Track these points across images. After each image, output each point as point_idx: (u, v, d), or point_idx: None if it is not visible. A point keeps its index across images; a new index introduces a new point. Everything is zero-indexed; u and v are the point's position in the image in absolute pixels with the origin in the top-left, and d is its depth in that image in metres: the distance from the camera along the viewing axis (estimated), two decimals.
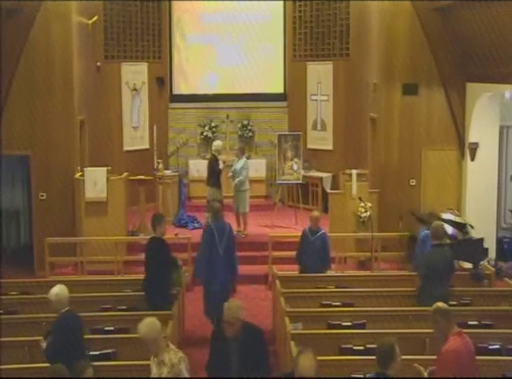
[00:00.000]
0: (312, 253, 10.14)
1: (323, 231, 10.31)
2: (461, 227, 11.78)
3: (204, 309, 9.79)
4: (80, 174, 12.76)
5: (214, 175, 13.46)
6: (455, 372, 5.81)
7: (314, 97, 16.50)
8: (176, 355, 5.88)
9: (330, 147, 16.27)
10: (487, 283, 9.72)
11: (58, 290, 6.97)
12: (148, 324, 5.89)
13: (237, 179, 13.45)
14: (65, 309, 6.94)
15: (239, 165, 13.56)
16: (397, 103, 13.18)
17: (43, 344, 6.92)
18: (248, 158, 14.37)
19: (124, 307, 8.92)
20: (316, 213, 10.38)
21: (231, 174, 13.65)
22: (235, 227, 13.65)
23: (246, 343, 6.01)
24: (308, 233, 10.23)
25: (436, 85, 12.99)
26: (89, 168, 12.87)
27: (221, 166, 13.60)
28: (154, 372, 5.92)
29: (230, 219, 13.91)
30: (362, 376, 6.83)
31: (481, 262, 10.31)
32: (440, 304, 6.24)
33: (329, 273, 10.34)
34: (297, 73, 16.72)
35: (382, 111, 13.33)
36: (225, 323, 5.98)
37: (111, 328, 8.22)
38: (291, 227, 14.35)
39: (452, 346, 5.90)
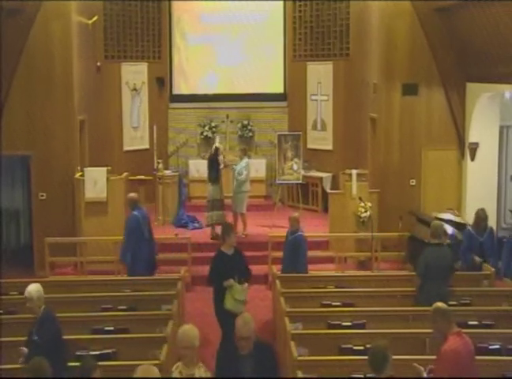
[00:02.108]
0: (287, 254, 10.24)
1: (299, 233, 10.25)
2: (461, 226, 11.77)
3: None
4: (80, 174, 12.76)
5: (214, 171, 13.45)
6: (454, 372, 5.80)
7: (314, 97, 16.51)
8: (206, 374, 5.58)
9: (330, 147, 16.28)
10: (487, 283, 9.71)
11: (37, 287, 6.93)
12: (191, 330, 5.54)
13: (238, 178, 13.46)
14: (43, 306, 6.90)
15: (240, 166, 13.57)
16: (397, 103, 13.19)
17: (23, 352, 6.71)
18: (249, 158, 14.35)
19: (124, 307, 8.91)
20: (295, 214, 10.43)
21: (238, 178, 13.62)
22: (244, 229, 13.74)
23: (259, 360, 5.65)
24: (288, 234, 10.32)
25: (436, 85, 13.00)
26: (89, 168, 12.87)
27: (221, 160, 13.59)
28: None
29: (231, 219, 13.98)
30: (362, 376, 6.84)
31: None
32: (440, 304, 6.24)
33: (329, 273, 10.36)
34: (297, 73, 16.72)
35: (382, 111, 13.34)
36: (241, 339, 5.56)
37: (111, 328, 8.21)
38: None
39: (451, 346, 5.90)
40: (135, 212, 10.58)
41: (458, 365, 5.85)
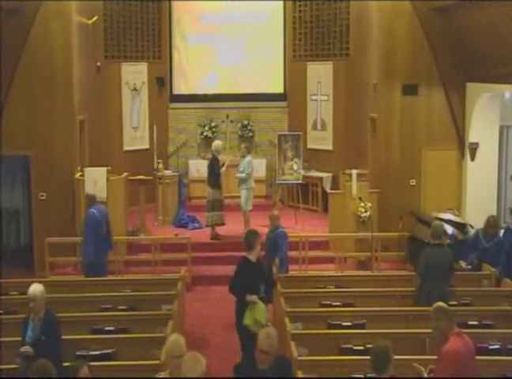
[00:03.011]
0: (270, 250, 10.20)
1: (280, 229, 10.26)
2: (460, 226, 11.77)
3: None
4: (80, 174, 12.76)
5: (214, 175, 13.46)
6: (455, 372, 5.79)
7: (314, 97, 16.50)
8: None
9: (330, 147, 16.27)
10: (487, 283, 9.71)
11: (41, 287, 6.96)
12: (180, 339, 5.35)
13: (241, 175, 13.47)
14: (44, 307, 6.93)
15: (243, 164, 13.58)
16: (397, 103, 13.19)
17: (29, 353, 6.70)
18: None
19: (124, 307, 8.92)
20: (275, 212, 10.44)
21: (238, 175, 13.63)
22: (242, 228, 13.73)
23: (277, 376, 5.43)
24: (268, 232, 10.33)
25: (436, 85, 12.99)
26: (89, 168, 12.87)
27: (223, 169, 13.58)
28: None
29: (232, 218, 14.01)
30: (362, 376, 6.84)
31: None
32: (441, 303, 6.22)
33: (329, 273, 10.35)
34: (297, 73, 16.72)
35: (382, 111, 13.34)
36: (261, 352, 5.33)
37: (111, 328, 8.22)
38: (291, 227, 14.29)
39: (452, 346, 5.89)
40: (92, 210, 10.64)
41: (459, 366, 5.84)
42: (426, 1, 12.60)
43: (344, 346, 7.66)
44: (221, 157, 13.96)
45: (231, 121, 16.81)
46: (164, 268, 11.91)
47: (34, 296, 6.90)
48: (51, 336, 6.83)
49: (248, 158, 13.74)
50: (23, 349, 6.75)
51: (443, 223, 10.25)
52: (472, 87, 12.67)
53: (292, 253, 12.07)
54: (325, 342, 7.71)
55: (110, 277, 11.01)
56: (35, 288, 6.94)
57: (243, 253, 8.43)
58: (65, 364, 6.50)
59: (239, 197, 13.82)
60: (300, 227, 14.21)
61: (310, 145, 16.40)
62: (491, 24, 10.90)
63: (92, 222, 10.58)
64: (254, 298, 8.04)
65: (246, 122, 16.82)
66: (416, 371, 6.08)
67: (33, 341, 6.83)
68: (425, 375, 6.10)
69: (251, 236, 8.37)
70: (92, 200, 10.79)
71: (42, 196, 12.70)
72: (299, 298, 9.16)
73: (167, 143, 16.78)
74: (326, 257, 12.61)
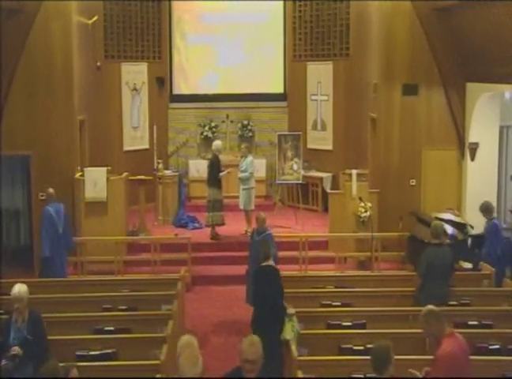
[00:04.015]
0: (256, 252, 10.23)
1: (268, 232, 10.33)
2: (461, 226, 11.77)
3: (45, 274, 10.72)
4: (80, 174, 12.77)
5: (215, 176, 13.45)
6: (451, 374, 5.77)
7: (314, 97, 16.50)
8: None
9: (330, 147, 16.27)
10: (487, 283, 9.71)
11: (25, 287, 6.94)
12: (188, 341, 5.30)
13: (244, 175, 13.47)
14: (27, 307, 6.94)
15: (245, 163, 13.58)
16: (397, 103, 13.18)
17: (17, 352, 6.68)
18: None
19: (124, 307, 8.91)
20: (262, 215, 10.48)
21: (240, 175, 13.63)
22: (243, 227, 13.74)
23: None
24: (255, 233, 10.36)
25: (436, 85, 12.99)
26: (89, 168, 12.88)
27: (223, 174, 13.53)
28: None
29: (232, 218, 14.01)
30: (362, 376, 6.83)
31: (480, 262, 10.30)
32: (431, 306, 6.15)
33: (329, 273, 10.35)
34: (297, 73, 16.72)
35: (382, 111, 13.34)
36: (246, 362, 5.17)
37: (112, 328, 8.21)
38: (291, 226, 14.35)
39: (446, 349, 5.82)
40: (48, 207, 10.89)
41: (454, 368, 5.79)
42: (426, 1, 12.60)
43: (344, 346, 7.66)
44: (222, 157, 13.97)
45: (231, 121, 16.81)
46: (164, 268, 11.91)
47: (20, 296, 6.87)
48: (38, 335, 6.81)
49: (250, 158, 13.75)
50: (12, 350, 6.68)
51: (443, 222, 10.24)
52: (472, 87, 12.67)
53: (292, 253, 12.09)
54: (325, 342, 7.71)
55: (110, 277, 11.03)
56: (20, 288, 6.90)
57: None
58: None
59: (238, 196, 13.82)
60: (300, 227, 14.22)
61: (310, 145, 16.40)
62: (491, 24, 10.90)
63: (46, 219, 10.82)
64: (292, 310, 8.10)
65: (246, 122, 16.82)
66: (412, 376, 6.04)
67: (19, 342, 6.79)
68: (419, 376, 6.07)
69: (267, 246, 8.66)
70: (48, 197, 11.03)
71: (42, 196, 12.67)
72: (299, 298, 9.14)
73: (167, 143, 16.78)
74: (326, 257, 12.60)
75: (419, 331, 7.74)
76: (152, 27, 16.58)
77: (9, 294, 9.15)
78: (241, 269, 10.89)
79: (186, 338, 5.33)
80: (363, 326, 8.28)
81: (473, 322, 8.27)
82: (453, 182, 13.13)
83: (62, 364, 5.83)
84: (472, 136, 12.79)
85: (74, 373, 5.64)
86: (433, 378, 5.94)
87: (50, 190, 11.17)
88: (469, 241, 11.52)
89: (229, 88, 17.09)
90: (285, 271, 10.62)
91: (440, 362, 5.83)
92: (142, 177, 13.94)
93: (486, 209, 10.19)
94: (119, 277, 11.32)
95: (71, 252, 11.58)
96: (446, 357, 5.81)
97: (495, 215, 10.39)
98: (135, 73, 16.17)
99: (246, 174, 13.54)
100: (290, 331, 7.85)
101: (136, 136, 16.25)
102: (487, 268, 9.92)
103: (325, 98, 16.27)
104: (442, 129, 13.13)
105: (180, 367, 4.90)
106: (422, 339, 7.65)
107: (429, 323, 5.97)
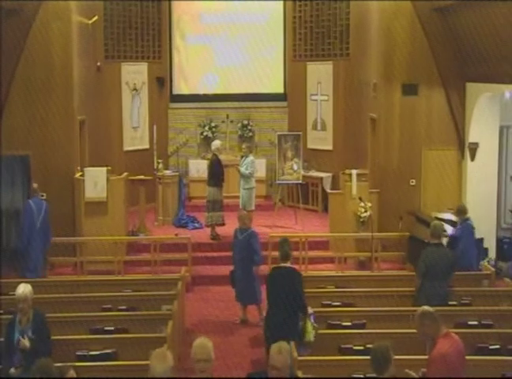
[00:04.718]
0: (240, 250, 10.33)
1: (251, 230, 10.43)
2: None
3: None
4: (80, 174, 12.77)
5: (215, 176, 13.44)
6: (445, 375, 5.75)
7: (314, 97, 16.51)
8: None
9: (330, 147, 16.28)
10: (487, 283, 9.72)
11: (28, 287, 6.96)
12: (208, 342, 5.31)
13: (244, 172, 13.48)
14: (31, 306, 6.95)
15: (246, 162, 13.58)
16: (397, 103, 13.18)
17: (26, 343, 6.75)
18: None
19: (124, 307, 8.92)
20: (244, 212, 10.67)
21: (241, 170, 13.63)
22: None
23: None
24: (238, 232, 10.44)
25: (436, 85, 12.98)
26: (89, 168, 12.87)
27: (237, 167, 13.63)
28: None
29: (232, 218, 13.96)
30: (362, 376, 6.83)
31: (481, 262, 10.33)
32: (426, 307, 6.13)
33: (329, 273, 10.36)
34: (297, 73, 16.72)
35: (382, 111, 13.33)
36: (273, 368, 5.01)
37: (111, 328, 8.21)
38: (291, 227, 14.36)
39: (440, 350, 5.79)
40: (30, 201, 11.40)
41: (449, 368, 5.76)
42: (426, 1, 12.60)
43: (344, 346, 7.66)
44: (222, 157, 13.97)
45: (231, 121, 16.82)
46: (164, 268, 11.91)
47: (24, 296, 6.87)
48: (43, 334, 6.81)
49: (250, 157, 13.75)
50: (20, 343, 6.70)
51: (443, 222, 10.25)
52: (472, 87, 12.67)
53: (292, 253, 12.07)
54: (325, 342, 7.70)
55: (110, 277, 11.03)
56: (25, 288, 6.91)
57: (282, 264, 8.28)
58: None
59: (238, 196, 13.83)
60: (300, 227, 14.22)
61: (310, 145, 16.41)
62: (491, 24, 10.90)
63: (27, 212, 11.30)
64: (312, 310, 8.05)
65: (246, 122, 16.82)
66: (409, 376, 6.03)
67: (8, 342, 6.82)
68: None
69: (287, 245, 8.38)
70: (33, 192, 11.49)
71: (42, 196, 12.69)
72: None
73: (167, 143, 16.78)
74: (326, 257, 12.61)
75: None
76: (152, 27, 16.59)
77: (9, 294, 9.20)
78: None
79: (199, 341, 5.31)
80: (363, 326, 8.28)
81: (473, 322, 8.28)
82: (453, 182, 13.12)
83: (60, 364, 5.85)
84: (472, 136, 12.78)
85: (71, 374, 5.62)
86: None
87: (35, 185, 11.57)
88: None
89: (229, 88, 17.10)
90: None
91: (433, 363, 5.82)
92: (142, 177, 13.95)
93: (459, 210, 10.52)
94: (119, 277, 11.31)
95: (48, 251, 11.75)
96: (439, 358, 5.79)
97: (468, 215, 10.50)
98: (135, 73, 16.18)
99: (248, 171, 13.53)
100: (311, 330, 7.80)
101: (136, 136, 16.25)
102: (487, 268, 9.92)
103: (325, 98, 16.27)
104: (442, 129, 13.12)
105: (150, 367, 4.87)
106: (422, 339, 7.65)
107: (424, 324, 5.95)
